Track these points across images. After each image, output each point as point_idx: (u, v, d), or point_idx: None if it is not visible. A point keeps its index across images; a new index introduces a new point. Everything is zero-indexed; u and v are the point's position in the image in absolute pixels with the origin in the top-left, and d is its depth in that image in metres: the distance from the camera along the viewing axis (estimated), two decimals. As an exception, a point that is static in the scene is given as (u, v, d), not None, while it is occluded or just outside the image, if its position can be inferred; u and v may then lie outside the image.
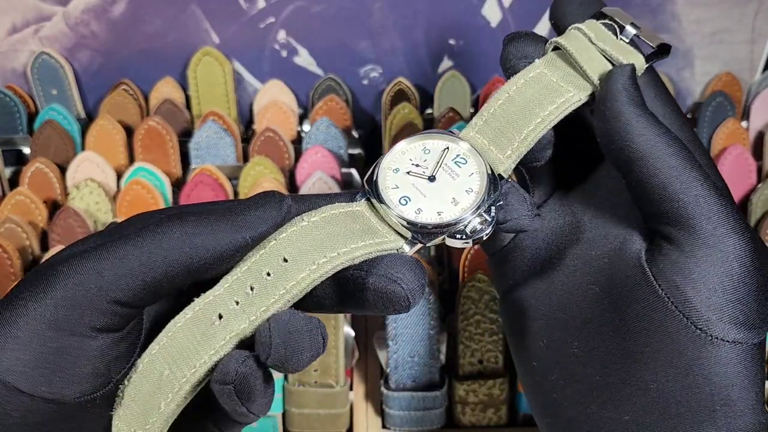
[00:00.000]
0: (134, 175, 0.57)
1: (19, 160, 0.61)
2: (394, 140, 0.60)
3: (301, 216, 0.28)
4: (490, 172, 0.30)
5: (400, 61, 0.63)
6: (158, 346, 0.26)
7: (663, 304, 0.29)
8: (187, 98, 0.63)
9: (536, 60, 0.32)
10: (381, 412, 0.52)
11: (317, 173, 0.57)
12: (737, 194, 0.58)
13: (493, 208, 0.29)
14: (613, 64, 0.31)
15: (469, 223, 0.29)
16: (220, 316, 0.26)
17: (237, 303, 0.26)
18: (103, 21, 0.60)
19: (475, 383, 0.50)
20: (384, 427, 0.52)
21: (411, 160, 0.30)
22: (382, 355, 0.51)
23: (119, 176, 0.58)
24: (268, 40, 0.62)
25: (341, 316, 0.50)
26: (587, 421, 0.31)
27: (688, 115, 0.63)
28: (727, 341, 0.28)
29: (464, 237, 0.29)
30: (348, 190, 0.31)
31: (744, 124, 0.62)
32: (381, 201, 0.29)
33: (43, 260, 0.47)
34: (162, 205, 0.56)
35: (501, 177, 0.30)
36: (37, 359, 0.25)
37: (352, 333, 0.51)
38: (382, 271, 0.27)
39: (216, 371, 0.25)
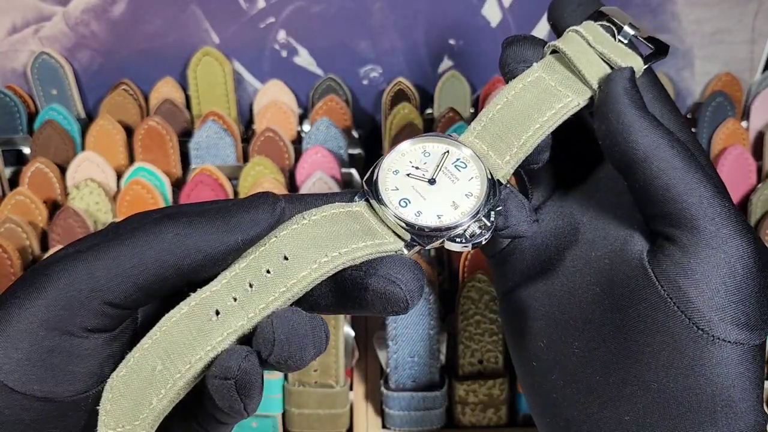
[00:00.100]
0: (134, 175, 0.57)
1: (19, 160, 0.61)
2: (394, 140, 0.60)
3: (302, 214, 0.28)
4: (490, 176, 0.30)
5: (400, 61, 0.63)
6: (151, 341, 0.26)
7: (665, 304, 0.29)
8: (187, 98, 0.63)
9: (534, 64, 0.32)
10: (381, 412, 0.52)
11: (317, 173, 0.57)
12: (737, 194, 0.58)
13: (492, 213, 0.29)
14: (611, 67, 0.31)
15: (468, 227, 0.29)
16: (217, 312, 0.26)
17: (235, 299, 0.26)
18: (103, 21, 0.60)
19: (475, 383, 0.50)
20: (384, 427, 0.52)
21: (411, 162, 0.30)
22: (382, 355, 0.51)
23: (119, 176, 0.58)
24: (268, 40, 0.62)
25: (341, 316, 0.50)
26: (587, 421, 0.31)
27: (688, 116, 0.63)
28: (729, 342, 0.28)
29: (463, 241, 0.29)
30: (345, 190, 0.31)
31: (744, 124, 0.62)
32: (381, 202, 0.29)
33: (42, 259, 0.47)
34: (162, 206, 0.56)
35: (499, 182, 0.30)
36: (29, 358, 0.25)
37: (352, 333, 0.51)
38: (381, 272, 0.27)
39: (216, 366, 0.25)
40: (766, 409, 0.30)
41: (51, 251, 0.53)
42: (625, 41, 0.32)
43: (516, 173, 0.35)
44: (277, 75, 0.63)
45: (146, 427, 0.25)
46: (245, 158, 0.60)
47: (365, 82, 0.64)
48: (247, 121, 0.65)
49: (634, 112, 0.29)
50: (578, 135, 0.34)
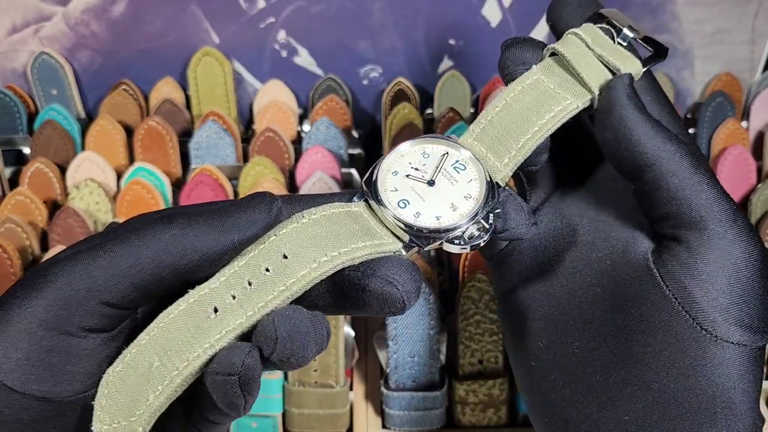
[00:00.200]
0: (134, 175, 0.57)
1: (19, 160, 0.61)
2: (394, 140, 0.60)
3: (302, 213, 0.28)
4: (488, 179, 0.30)
5: (400, 61, 0.63)
6: (148, 337, 0.26)
7: (669, 304, 0.29)
8: (187, 98, 0.63)
9: (533, 66, 0.32)
10: (381, 412, 0.52)
11: (317, 173, 0.57)
12: (737, 194, 0.58)
13: (491, 215, 0.29)
14: (610, 70, 0.31)
15: (467, 229, 0.29)
16: (216, 310, 0.26)
17: (234, 297, 0.26)
18: (103, 21, 0.60)
19: (475, 383, 0.50)
20: (384, 427, 0.52)
21: (410, 163, 0.30)
22: (382, 355, 0.51)
23: (119, 176, 0.58)
24: (268, 40, 0.62)
25: (341, 316, 0.50)
26: (585, 421, 0.31)
27: (688, 116, 0.63)
28: (732, 343, 0.28)
29: (462, 243, 0.29)
30: (344, 191, 0.31)
31: (744, 124, 0.62)
32: (380, 203, 0.29)
33: (43, 260, 0.47)
34: (162, 206, 0.56)
35: (498, 185, 0.30)
36: (28, 358, 0.25)
37: (352, 333, 0.51)
38: (379, 272, 0.27)
39: (218, 362, 0.25)
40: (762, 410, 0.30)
41: (51, 251, 0.53)
42: (625, 44, 0.32)
43: (514, 175, 0.35)
44: (277, 75, 0.63)
45: (142, 423, 0.25)
46: (245, 158, 0.60)
47: (365, 82, 0.64)
48: (247, 121, 0.65)
49: (637, 117, 0.29)
50: (576, 137, 0.34)
